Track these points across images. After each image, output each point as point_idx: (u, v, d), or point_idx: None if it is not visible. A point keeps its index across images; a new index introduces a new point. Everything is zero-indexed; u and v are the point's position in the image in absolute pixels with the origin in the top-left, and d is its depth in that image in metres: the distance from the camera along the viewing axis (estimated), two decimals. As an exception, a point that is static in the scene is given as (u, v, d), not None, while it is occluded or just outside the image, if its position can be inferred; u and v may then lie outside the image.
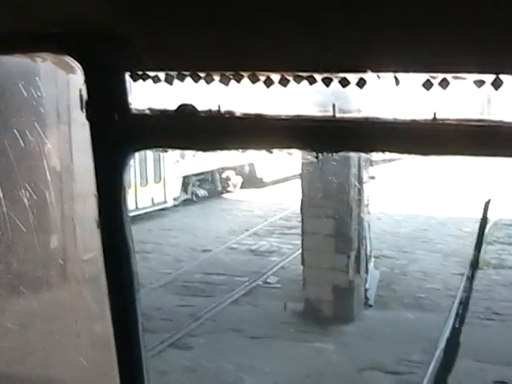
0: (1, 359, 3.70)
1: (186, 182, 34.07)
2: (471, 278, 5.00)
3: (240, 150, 2.84)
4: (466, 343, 4.99)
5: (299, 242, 20.10)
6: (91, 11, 2.76)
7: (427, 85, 2.48)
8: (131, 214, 3.18)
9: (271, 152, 2.75)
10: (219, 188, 36.86)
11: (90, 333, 3.60)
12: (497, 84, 2.43)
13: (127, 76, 2.86)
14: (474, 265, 5.08)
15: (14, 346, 3.64)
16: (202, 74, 2.71)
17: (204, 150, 2.91)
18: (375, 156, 3.05)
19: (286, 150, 2.78)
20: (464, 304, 5.03)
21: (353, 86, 2.54)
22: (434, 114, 2.52)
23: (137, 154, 3.17)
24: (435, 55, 2.41)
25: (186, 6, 2.60)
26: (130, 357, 3.18)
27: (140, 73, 2.82)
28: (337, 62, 2.50)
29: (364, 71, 2.48)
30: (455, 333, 5.05)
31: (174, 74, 2.77)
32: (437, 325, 15.46)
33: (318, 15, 2.42)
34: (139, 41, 2.72)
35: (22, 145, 3.39)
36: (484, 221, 4.90)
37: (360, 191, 18.92)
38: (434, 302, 19.16)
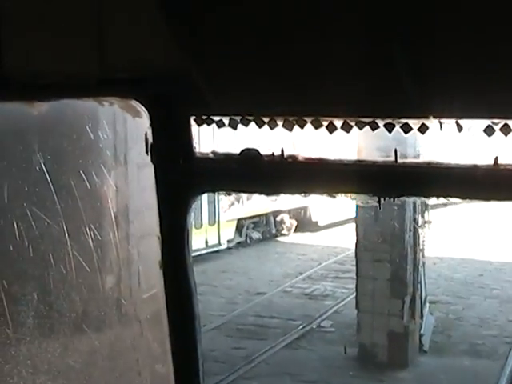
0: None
1: (240, 224, 34.03)
2: None
3: (302, 194, 2.86)
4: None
5: (353, 286, 19.95)
6: (157, 57, 2.84)
7: (489, 131, 2.49)
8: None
9: (334, 196, 2.77)
10: (273, 231, 36.72)
11: (151, 372, 3.63)
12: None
13: (192, 120, 2.91)
14: None
15: (76, 383, 3.69)
16: (266, 119, 2.75)
17: (267, 194, 2.94)
18: (432, 200, 3.05)
19: (347, 195, 2.80)
20: None
21: (415, 132, 2.56)
22: (496, 158, 2.52)
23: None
24: (497, 102, 2.43)
25: (250, 53, 2.66)
26: None
27: (204, 117, 2.87)
28: (399, 108, 2.52)
29: (426, 117, 2.50)
30: None
31: (237, 118, 2.81)
32: (494, 372, 15.20)
33: (381, 62, 2.46)
34: (204, 86, 2.77)
35: (88, 186, 3.46)
36: None
37: (415, 235, 18.76)
38: (490, 349, 18.82)
